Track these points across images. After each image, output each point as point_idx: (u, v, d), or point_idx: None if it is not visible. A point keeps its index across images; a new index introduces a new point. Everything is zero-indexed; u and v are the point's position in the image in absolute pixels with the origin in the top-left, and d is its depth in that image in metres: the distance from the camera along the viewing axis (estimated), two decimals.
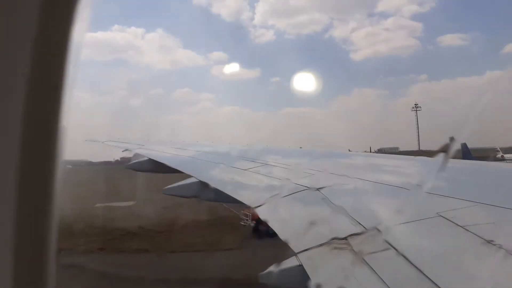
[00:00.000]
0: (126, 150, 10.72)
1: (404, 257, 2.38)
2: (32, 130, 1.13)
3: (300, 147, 10.77)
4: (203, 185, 5.93)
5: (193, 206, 26.58)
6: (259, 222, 26.18)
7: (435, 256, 2.49)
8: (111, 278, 15.69)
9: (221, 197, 5.22)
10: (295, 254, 2.88)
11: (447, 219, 2.83)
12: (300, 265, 2.72)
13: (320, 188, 4.25)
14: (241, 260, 17.63)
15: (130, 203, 31.41)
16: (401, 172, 4.50)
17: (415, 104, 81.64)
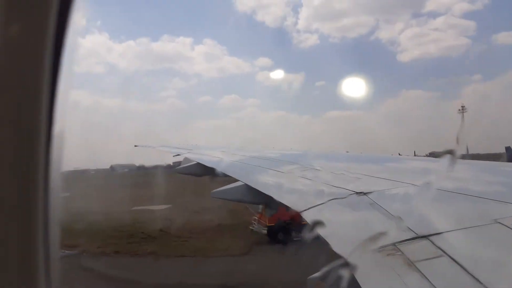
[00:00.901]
0: (177, 155, 11.13)
1: (459, 264, 2.28)
2: (25, 133, 1.14)
3: (347, 151, 10.57)
4: (249, 188, 6.02)
5: (222, 210, 27.12)
6: (275, 227, 26.04)
7: (493, 264, 2.36)
8: (105, 279, 16.20)
9: (266, 200, 5.27)
10: (342, 259, 2.84)
11: (506, 226, 2.67)
12: (348, 271, 2.68)
13: (368, 192, 4.16)
14: (240, 267, 18.07)
15: (164, 206, 32.27)
16: (453, 177, 4.28)
17: (462, 106, 77.56)
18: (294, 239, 26.15)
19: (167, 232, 25.15)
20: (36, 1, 1.12)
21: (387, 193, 4.16)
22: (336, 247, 3.06)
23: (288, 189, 5.41)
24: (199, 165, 9.18)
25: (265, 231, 25.52)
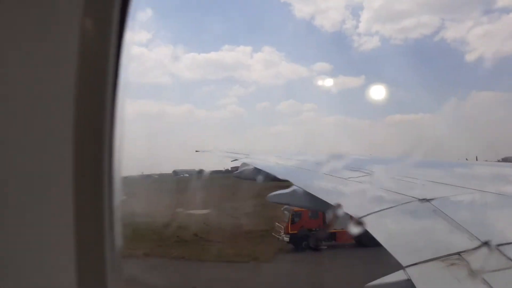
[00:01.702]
0: (235, 160, 11.38)
1: None
2: (85, 134, 1.20)
3: (408, 156, 10.11)
4: (305, 193, 6.02)
5: (260, 217, 27.07)
6: (298, 235, 25.28)
7: None
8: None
9: (324, 206, 5.24)
10: (402, 267, 2.77)
11: None
12: (409, 279, 2.61)
13: (431, 199, 3.98)
14: (262, 273, 18.29)
15: (206, 211, 32.96)
16: None
17: None
18: (319, 247, 25.64)
19: (200, 236, 25.91)
20: (103, 16, 1.21)
21: (450, 200, 3.95)
22: (395, 253, 2.98)
23: (345, 194, 5.33)
24: (255, 170, 9.33)
25: (288, 239, 25.14)
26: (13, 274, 1.19)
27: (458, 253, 2.62)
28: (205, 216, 32.15)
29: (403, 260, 2.87)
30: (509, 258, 2.35)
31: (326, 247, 26.19)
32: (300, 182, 6.60)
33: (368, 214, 4.06)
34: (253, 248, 23.70)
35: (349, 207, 4.58)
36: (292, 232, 25.52)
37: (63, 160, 1.18)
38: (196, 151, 17.39)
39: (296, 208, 26.85)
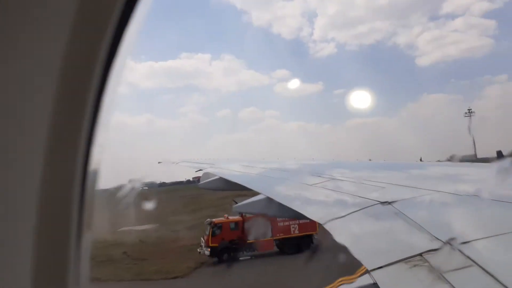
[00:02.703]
0: (199, 170, 11.20)
1: (491, 275, 2.19)
2: (57, 138, 1.17)
3: (370, 159, 10.40)
4: (271, 201, 6.00)
5: (202, 229, 27.11)
6: (218, 248, 25.94)
7: None
8: None
9: (288, 213, 5.24)
10: (368, 271, 2.79)
11: None
12: (375, 283, 2.63)
13: (392, 202, 4.07)
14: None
15: (149, 226, 32.67)
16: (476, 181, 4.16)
17: (468, 109, 76.61)
18: (241, 258, 26.24)
19: (128, 255, 25.71)
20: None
21: (411, 202, 4.06)
22: (361, 258, 3.01)
23: (309, 200, 5.36)
24: (221, 179, 9.22)
25: (208, 252, 25.69)
26: None
27: (420, 254, 2.67)
28: (144, 232, 31.67)
29: (368, 264, 2.89)
30: (468, 257, 2.42)
31: (249, 257, 26.85)
32: (265, 190, 6.58)
33: (332, 219, 4.09)
34: (176, 264, 23.93)
35: (314, 213, 4.60)
36: (212, 245, 25.86)
37: (33, 161, 1.15)
38: (158, 162, 16.97)
39: (216, 220, 27.42)
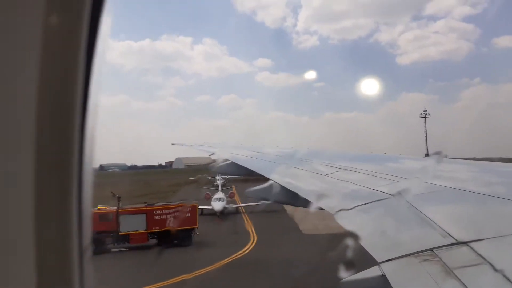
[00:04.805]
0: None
1: (501, 273, 2.20)
2: (47, 130, 1.14)
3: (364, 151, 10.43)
4: (281, 188, 6.04)
5: None
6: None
7: None
8: None
9: (300, 202, 5.27)
10: (377, 263, 2.81)
11: None
12: (383, 275, 2.66)
13: (404, 195, 4.08)
14: None
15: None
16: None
17: (424, 111, 76.72)
18: (112, 250, 26.32)
19: None
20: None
21: (420, 195, 4.05)
22: (370, 249, 3.03)
23: (324, 190, 5.38)
24: (233, 164, 9.28)
25: None
26: None
27: (431, 249, 2.69)
28: None
29: (377, 255, 2.92)
30: (480, 255, 2.42)
31: (125, 249, 27.04)
32: (276, 177, 6.61)
33: (343, 210, 4.10)
34: None
35: (327, 202, 4.61)
36: None
37: (24, 157, 1.12)
38: (172, 144, 17.10)
39: None
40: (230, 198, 44.09)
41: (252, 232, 32.07)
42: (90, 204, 1.36)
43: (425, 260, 2.58)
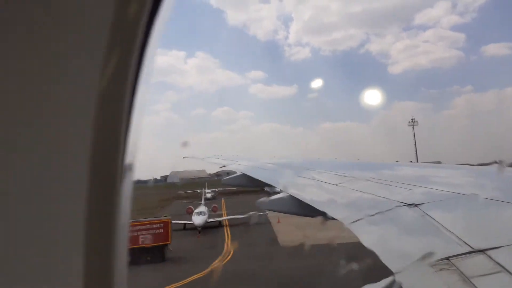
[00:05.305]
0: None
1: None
2: (101, 133, 1.16)
3: (358, 159, 10.36)
4: (294, 200, 6.03)
5: None
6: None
7: None
8: None
9: (313, 212, 5.26)
10: (392, 273, 2.79)
11: None
12: (400, 287, 2.63)
13: (419, 204, 4.04)
14: None
15: None
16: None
17: (412, 119, 76.38)
18: None
19: None
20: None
21: (437, 204, 4.01)
22: (386, 259, 3.01)
23: (334, 200, 5.36)
24: (245, 176, 9.33)
25: None
26: (16, 278, 1.13)
27: (448, 258, 2.66)
28: None
29: (393, 266, 2.89)
30: (498, 263, 2.39)
31: None
32: (285, 188, 6.61)
33: (358, 220, 4.09)
34: None
35: (339, 213, 4.60)
36: None
37: (78, 161, 1.15)
38: (183, 157, 17.25)
39: None
40: (214, 212, 43.29)
41: (227, 246, 31.53)
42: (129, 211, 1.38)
43: (441, 270, 2.55)
